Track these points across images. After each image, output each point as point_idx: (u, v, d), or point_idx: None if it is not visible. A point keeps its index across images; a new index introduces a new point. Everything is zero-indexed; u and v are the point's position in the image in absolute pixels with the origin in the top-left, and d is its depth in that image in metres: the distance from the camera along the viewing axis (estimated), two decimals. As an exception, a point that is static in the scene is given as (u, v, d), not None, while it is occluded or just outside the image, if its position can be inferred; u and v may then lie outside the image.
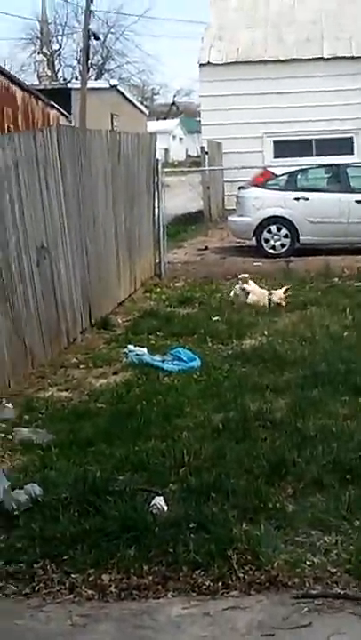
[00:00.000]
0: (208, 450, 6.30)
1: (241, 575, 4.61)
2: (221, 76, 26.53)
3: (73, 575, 4.72)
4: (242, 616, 4.31)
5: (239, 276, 12.82)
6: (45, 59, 50.79)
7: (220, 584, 4.57)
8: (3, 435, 7.04)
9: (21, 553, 4.92)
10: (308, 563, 4.70)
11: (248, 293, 12.16)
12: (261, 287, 12.52)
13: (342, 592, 4.43)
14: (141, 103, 48.80)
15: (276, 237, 17.53)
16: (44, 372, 8.92)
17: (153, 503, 5.41)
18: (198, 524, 5.10)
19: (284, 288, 12.27)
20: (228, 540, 4.87)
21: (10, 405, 7.70)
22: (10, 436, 6.98)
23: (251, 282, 12.50)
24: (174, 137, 72.54)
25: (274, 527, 5.10)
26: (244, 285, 12.35)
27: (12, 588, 4.66)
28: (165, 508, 5.38)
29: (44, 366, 9.10)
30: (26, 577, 4.74)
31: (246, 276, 12.77)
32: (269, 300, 11.92)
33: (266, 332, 10.30)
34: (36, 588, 4.65)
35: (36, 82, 38.20)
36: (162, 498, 5.49)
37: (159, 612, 4.39)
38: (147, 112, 47.81)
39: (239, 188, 18.68)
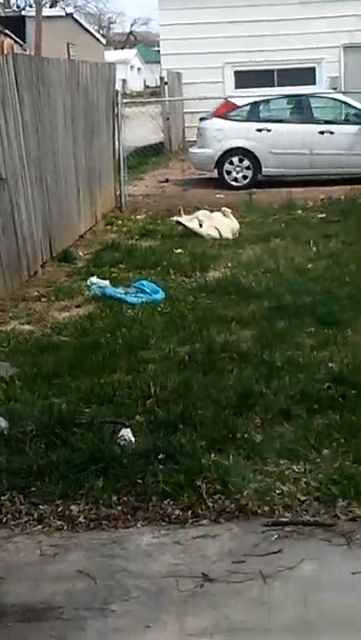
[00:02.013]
0: (175, 382, 6.27)
1: (211, 504, 4.62)
2: (181, 4, 25.90)
3: (41, 506, 4.71)
4: (212, 544, 4.32)
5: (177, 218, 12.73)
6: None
7: (189, 513, 4.58)
8: (-35, 368, 6.94)
9: (-12, 485, 4.88)
10: (277, 491, 4.72)
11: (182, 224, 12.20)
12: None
13: (312, 519, 4.46)
14: (98, 32, 47.88)
15: (238, 169, 17.33)
16: (5, 306, 8.80)
17: (120, 435, 5.39)
18: (167, 454, 5.10)
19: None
20: (197, 470, 4.88)
21: (-28, 339, 7.59)
22: (-27, 370, 6.88)
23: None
24: (132, 67, 71.34)
25: (243, 457, 5.11)
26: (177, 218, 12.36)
27: (-21, 521, 4.63)
28: (133, 439, 5.37)
29: (4, 300, 8.97)
30: (-7, 509, 4.71)
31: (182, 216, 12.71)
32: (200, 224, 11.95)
33: (230, 264, 10.25)
34: (4, 520, 4.63)
35: (-10, 10, 37.23)
36: (129, 430, 5.47)
37: (129, 542, 4.39)
38: (104, 41, 46.97)
39: (200, 119, 18.41)
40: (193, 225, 12.14)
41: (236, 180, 17.33)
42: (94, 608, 3.88)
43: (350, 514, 4.49)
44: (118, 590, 4.00)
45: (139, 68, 73.49)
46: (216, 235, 11.91)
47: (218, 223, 12.18)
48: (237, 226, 12.24)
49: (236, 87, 25.19)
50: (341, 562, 4.14)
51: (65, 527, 4.55)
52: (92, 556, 4.29)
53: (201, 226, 12.08)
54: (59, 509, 4.68)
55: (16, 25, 30.44)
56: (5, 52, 22.51)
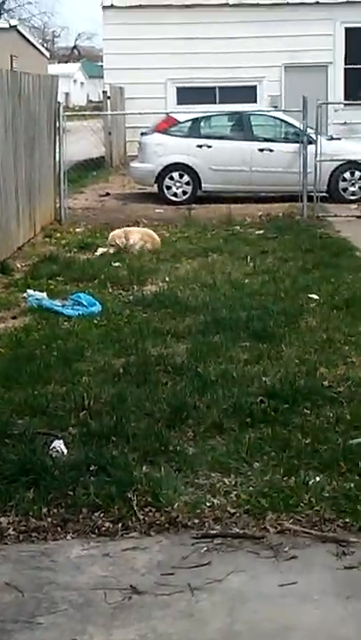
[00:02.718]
0: (109, 394, 6.27)
1: (141, 517, 4.62)
2: (125, 19, 26.01)
3: (-30, 518, 4.66)
4: (142, 556, 4.32)
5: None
6: None
7: (119, 525, 4.57)
8: None
9: None
10: (207, 504, 4.73)
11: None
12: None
13: (241, 531, 4.49)
14: (42, 45, 47.76)
15: (178, 184, 17.43)
16: None
17: (52, 446, 5.37)
18: (98, 466, 5.08)
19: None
20: (128, 482, 4.87)
21: None
22: None
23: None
24: (75, 81, 71.40)
25: (174, 470, 5.12)
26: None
27: None
28: (65, 451, 5.35)
29: None
30: None
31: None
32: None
33: (167, 279, 10.28)
34: None
35: None
36: (61, 441, 5.46)
37: (58, 554, 4.36)
38: (47, 54, 46.86)
39: (141, 134, 18.47)
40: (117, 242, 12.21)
41: (175, 195, 17.42)
42: (21, 621, 3.85)
43: (279, 526, 4.52)
44: (46, 603, 3.98)
45: (82, 83, 73.58)
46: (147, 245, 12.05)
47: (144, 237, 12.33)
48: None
49: (179, 103, 25.34)
50: (269, 574, 4.16)
51: (-6, 539, 4.52)
52: (20, 569, 4.25)
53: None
54: (-13, 521, 4.64)
55: None
56: None
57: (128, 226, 12.68)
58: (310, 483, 4.91)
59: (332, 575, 4.16)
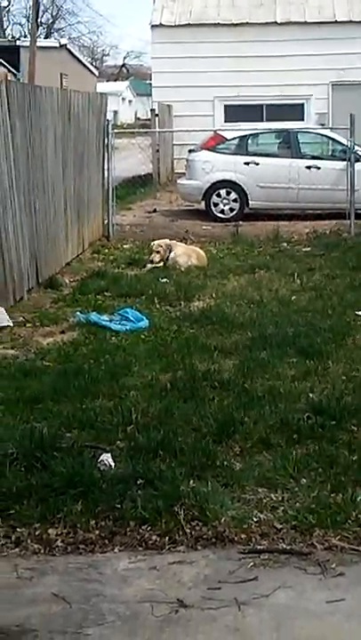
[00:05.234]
0: (156, 408, 6.31)
1: (188, 530, 4.64)
2: (174, 38, 26.29)
3: (19, 529, 4.71)
4: (188, 570, 4.33)
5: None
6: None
7: (166, 539, 4.59)
8: None
9: (-34, 507, 4.88)
10: (254, 519, 4.74)
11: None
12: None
13: (288, 547, 4.48)
14: (91, 64, 48.25)
15: (225, 201, 17.48)
16: (-10, 330, 8.82)
17: (100, 459, 5.41)
18: (146, 480, 5.11)
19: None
20: (175, 496, 4.89)
21: None
22: None
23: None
24: (123, 99, 71.88)
25: (221, 484, 5.13)
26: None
27: None
28: (113, 464, 5.39)
29: (-11, 324, 8.98)
30: (-29, 531, 4.70)
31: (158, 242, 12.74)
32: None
33: (214, 295, 10.32)
34: (-18, 542, 4.62)
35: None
36: (109, 455, 5.50)
37: (106, 566, 4.39)
38: (96, 73, 47.34)
39: (189, 151, 18.56)
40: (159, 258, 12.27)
41: (222, 212, 17.47)
42: (69, 632, 3.88)
43: (326, 543, 4.51)
44: (93, 614, 4.00)
45: (130, 101, 74.06)
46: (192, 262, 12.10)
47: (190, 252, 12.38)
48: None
49: (226, 121, 25.45)
50: (316, 590, 4.15)
51: (42, 550, 4.55)
52: (68, 580, 4.29)
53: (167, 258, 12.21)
54: (36, 533, 4.68)
55: (10, 54, 30.65)
56: (-2, 79, 22.67)
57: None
58: (358, 499, 4.89)
59: (379, 592, 4.13)
